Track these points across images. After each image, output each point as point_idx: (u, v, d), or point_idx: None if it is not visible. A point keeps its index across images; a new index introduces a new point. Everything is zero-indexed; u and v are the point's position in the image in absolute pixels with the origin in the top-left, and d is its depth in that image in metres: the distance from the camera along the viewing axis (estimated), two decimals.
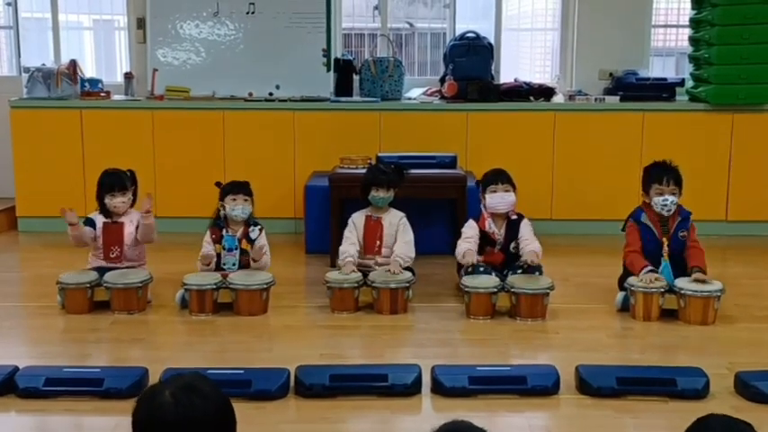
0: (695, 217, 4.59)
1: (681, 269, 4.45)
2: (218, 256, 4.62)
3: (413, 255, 4.73)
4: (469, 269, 4.56)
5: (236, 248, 4.62)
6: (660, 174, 4.47)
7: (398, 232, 4.77)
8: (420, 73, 7.26)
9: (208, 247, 4.61)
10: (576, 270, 5.28)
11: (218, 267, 4.60)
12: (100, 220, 4.64)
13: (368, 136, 6.22)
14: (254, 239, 4.65)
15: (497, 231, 4.70)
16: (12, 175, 6.40)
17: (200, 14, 6.57)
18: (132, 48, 6.85)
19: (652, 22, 6.91)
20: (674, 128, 6.25)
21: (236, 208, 4.63)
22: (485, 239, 4.69)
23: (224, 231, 4.64)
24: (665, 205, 4.43)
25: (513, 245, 4.69)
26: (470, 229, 4.71)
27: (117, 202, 4.62)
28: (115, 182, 4.64)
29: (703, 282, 4.29)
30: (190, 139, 6.31)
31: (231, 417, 1.78)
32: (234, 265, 4.61)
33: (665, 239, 4.44)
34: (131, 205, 4.73)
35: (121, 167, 4.78)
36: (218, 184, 4.78)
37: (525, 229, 4.71)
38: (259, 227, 4.70)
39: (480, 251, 4.66)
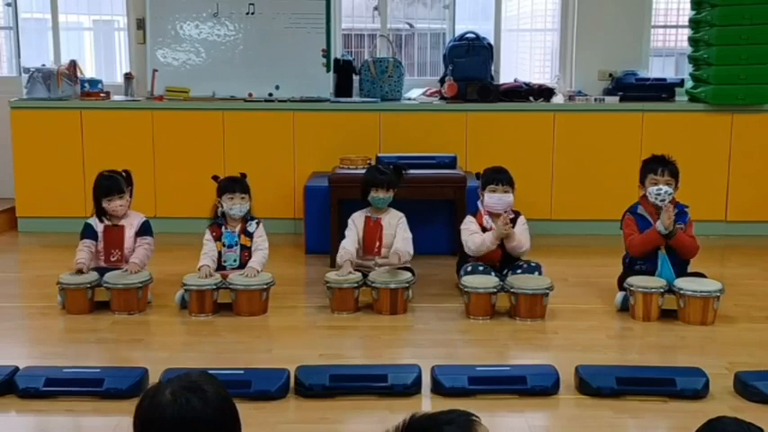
0: (694, 216, 4.60)
1: (679, 262, 4.46)
2: (219, 254, 4.63)
3: (411, 251, 4.74)
4: (469, 268, 4.58)
5: (235, 244, 4.63)
6: (656, 165, 4.51)
7: (397, 231, 4.77)
8: (420, 73, 7.26)
9: (209, 245, 4.61)
10: (575, 270, 5.28)
11: (220, 266, 4.60)
12: (99, 225, 4.63)
13: (367, 136, 6.23)
14: (252, 233, 4.66)
15: (494, 228, 4.70)
16: (12, 176, 6.40)
17: (199, 15, 6.58)
18: (132, 48, 6.85)
19: (651, 22, 6.90)
20: (674, 128, 6.25)
21: (234, 207, 4.64)
22: None
23: (223, 228, 4.65)
24: (659, 194, 4.44)
25: None
26: (472, 224, 4.74)
27: (115, 205, 4.62)
28: (112, 185, 4.63)
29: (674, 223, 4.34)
30: (189, 140, 6.31)
31: (233, 419, 1.77)
32: (234, 261, 4.63)
33: None
34: (128, 206, 4.73)
35: (120, 168, 4.78)
36: (215, 177, 4.79)
37: (520, 227, 4.72)
38: (256, 221, 4.71)
39: None
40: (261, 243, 4.66)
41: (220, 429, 1.74)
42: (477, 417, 1.63)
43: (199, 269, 4.49)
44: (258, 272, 4.50)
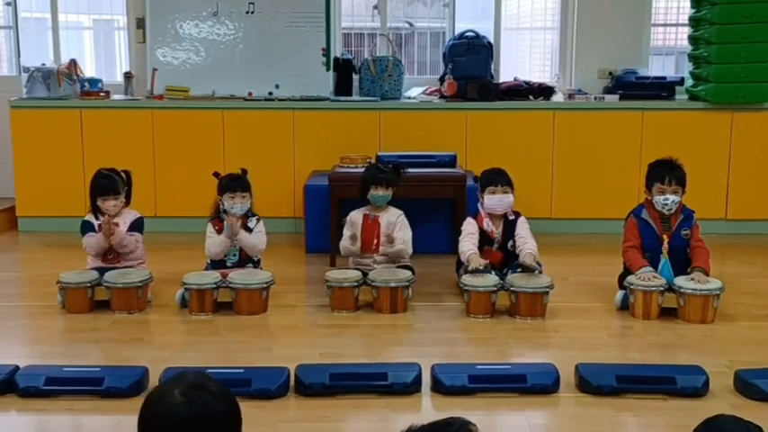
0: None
1: (681, 267, 4.44)
2: None
3: (410, 251, 4.74)
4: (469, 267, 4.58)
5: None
6: (663, 173, 4.46)
7: (396, 230, 4.76)
8: (419, 72, 7.26)
9: (212, 236, 4.63)
10: (575, 269, 5.28)
11: (220, 261, 4.62)
12: (95, 222, 4.64)
13: (367, 135, 6.23)
14: (252, 228, 4.68)
15: (495, 230, 4.70)
16: (12, 175, 6.40)
17: (199, 14, 6.58)
18: (132, 47, 6.85)
19: (651, 20, 6.91)
20: (674, 126, 6.25)
21: (235, 206, 4.65)
22: (483, 238, 4.69)
23: (225, 223, 4.66)
24: (666, 204, 4.43)
25: (510, 243, 4.70)
26: (471, 226, 4.71)
27: (108, 205, 4.63)
28: (108, 186, 4.64)
29: (701, 282, 4.29)
30: (189, 139, 6.31)
31: (239, 414, 1.78)
32: (234, 255, 4.66)
33: (665, 237, 4.44)
34: (126, 206, 4.73)
35: (120, 167, 4.78)
36: (216, 174, 4.79)
37: (522, 227, 4.71)
38: (256, 217, 4.73)
39: (479, 250, 4.66)
40: (259, 237, 4.69)
41: (230, 426, 1.75)
42: (474, 425, 1.64)
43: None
44: (241, 231, 4.59)
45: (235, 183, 4.69)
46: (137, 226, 4.70)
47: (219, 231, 4.65)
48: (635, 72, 6.65)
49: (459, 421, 1.65)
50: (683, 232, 4.46)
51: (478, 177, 4.85)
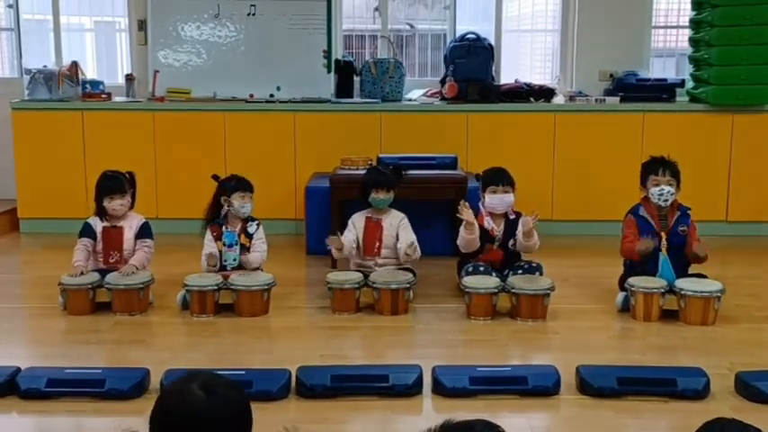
0: (696, 217, 4.59)
1: (680, 265, 4.46)
2: (219, 252, 4.64)
3: (419, 253, 4.73)
4: (470, 268, 4.58)
5: (236, 244, 4.65)
6: (656, 165, 4.51)
7: (401, 233, 4.76)
8: (420, 74, 7.27)
9: (210, 245, 4.63)
10: (576, 271, 5.28)
11: (220, 265, 4.62)
12: (99, 225, 4.64)
13: (368, 137, 6.23)
14: (252, 234, 4.68)
15: (496, 228, 4.71)
16: (13, 177, 6.41)
17: (201, 16, 6.59)
18: (133, 49, 6.86)
19: (652, 22, 6.92)
20: (675, 128, 6.26)
21: (246, 206, 4.66)
22: (483, 236, 4.69)
23: (223, 228, 4.66)
24: (662, 194, 4.44)
25: (511, 242, 4.70)
26: None
27: (115, 204, 4.62)
28: (114, 185, 4.64)
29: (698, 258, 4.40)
30: (191, 141, 6.32)
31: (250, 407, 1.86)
32: (234, 260, 4.64)
33: (663, 234, 4.45)
34: (130, 208, 4.73)
35: (122, 169, 4.79)
36: (215, 177, 4.78)
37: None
38: (256, 222, 4.72)
39: (480, 248, 4.67)
40: (259, 245, 4.68)
41: (248, 417, 1.81)
42: (500, 427, 1.67)
43: (207, 256, 4.57)
44: (253, 267, 4.54)
45: (245, 183, 4.71)
46: (147, 232, 4.69)
47: (217, 237, 4.65)
48: (635, 74, 6.66)
49: (484, 422, 1.67)
50: (680, 228, 4.47)
51: (480, 176, 4.85)
